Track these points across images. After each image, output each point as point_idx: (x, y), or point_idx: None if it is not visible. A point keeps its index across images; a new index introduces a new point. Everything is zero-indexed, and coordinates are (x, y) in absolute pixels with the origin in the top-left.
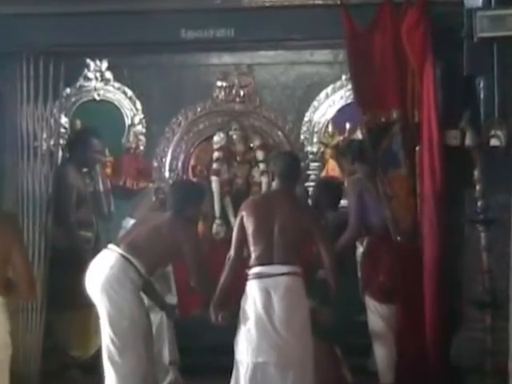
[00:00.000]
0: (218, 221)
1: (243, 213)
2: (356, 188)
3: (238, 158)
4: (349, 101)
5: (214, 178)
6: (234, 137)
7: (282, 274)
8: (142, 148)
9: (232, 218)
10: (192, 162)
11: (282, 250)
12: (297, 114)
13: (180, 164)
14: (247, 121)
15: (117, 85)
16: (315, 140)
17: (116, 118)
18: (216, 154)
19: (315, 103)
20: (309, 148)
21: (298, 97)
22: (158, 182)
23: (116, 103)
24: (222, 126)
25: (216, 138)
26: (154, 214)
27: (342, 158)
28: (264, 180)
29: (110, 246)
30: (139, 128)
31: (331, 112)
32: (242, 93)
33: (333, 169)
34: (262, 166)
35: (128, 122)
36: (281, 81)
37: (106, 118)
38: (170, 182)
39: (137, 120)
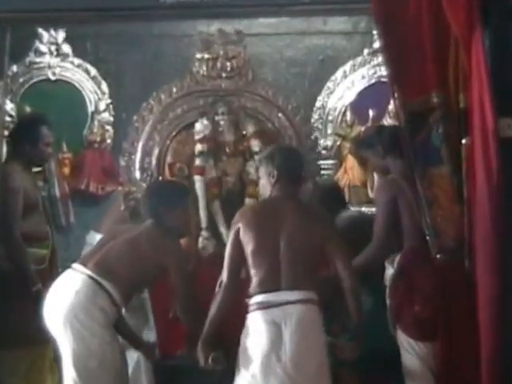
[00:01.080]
0: (204, 232)
1: (239, 225)
2: (390, 191)
3: (227, 151)
4: (372, 81)
5: (197, 178)
6: (222, 123)
7: (294, 302)
8: (108, 141)
9: (223, 229)
10: (169, 159)
11: (292, 272)
12: (306, 98)
13: (154, 161)
14: (237, 101)
15: (77, 61)
16: (330, 131)
17: (76, 103)
18: (199, 147)
19: (330, 84)
20: (322, 141)
21: (308, 76)
22: (128, 186)
23: (76, 84)
24: (204, 110)
25: (198, 126)
26: (126, 226)
27: (369, 151)
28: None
29: (75, 265)
30: (105, 116)
31: (350, 95)
32: (229, 66)
33: (351, 167)
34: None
35: (91, 108)
36: (286, 56)
37: (63, 104)
38: (143, 184)
39: (102, 106)
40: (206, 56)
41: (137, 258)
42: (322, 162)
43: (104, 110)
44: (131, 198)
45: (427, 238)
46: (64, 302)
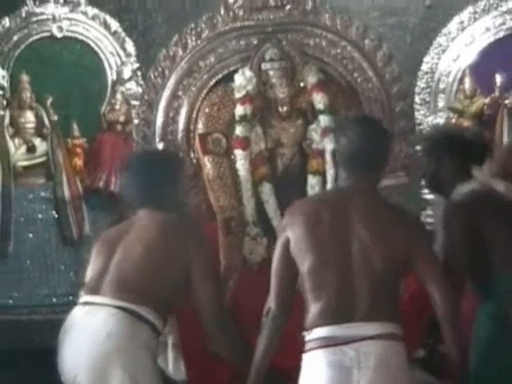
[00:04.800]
0: (251, 229)
1: (288, 233)
2: None
3: (280, 111)
4: (500, 34)
5: (238, 153)
6: (271, 73)
7: (373, 338)
8: (136, 122)
9: (278, 222)
10: (200, 127)
11: (369, 296)
12: (408, 60)
13: (180, 130)
14: (295, 40)
15: (92, 11)
16: (441, 104)
17: (91, 69)
18: (240, 109)
19: (441, 40)
20: (430, 119)
21: (411, 29)
22: None
23: (91, 43)
24: (247, 55)
25: (238, 79)
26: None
27: None
28: (330, 146)
29: (88, 297)
30: (131, 86)
31: (469, 55)
32: None
33: None
34: (323, 119)
35: (112, 76)
36: (379, 1)
37: (72, 70)
38: None
39: (127, 72)
40: None
41: (159, 261)
42: None
43: (129, 79)
44: None
45: None
46: (91, 351)
